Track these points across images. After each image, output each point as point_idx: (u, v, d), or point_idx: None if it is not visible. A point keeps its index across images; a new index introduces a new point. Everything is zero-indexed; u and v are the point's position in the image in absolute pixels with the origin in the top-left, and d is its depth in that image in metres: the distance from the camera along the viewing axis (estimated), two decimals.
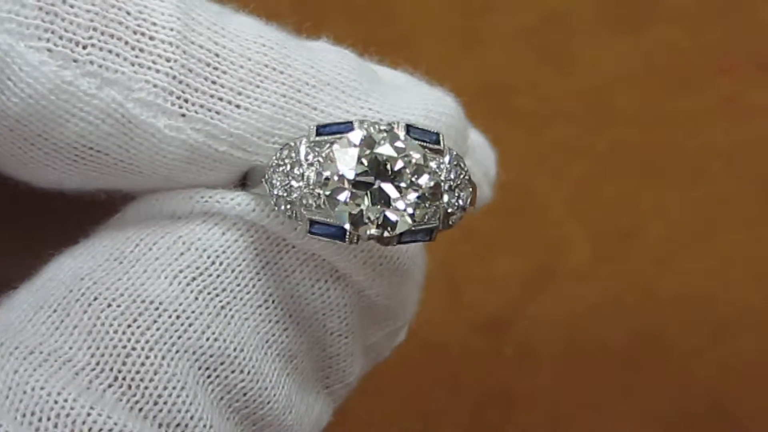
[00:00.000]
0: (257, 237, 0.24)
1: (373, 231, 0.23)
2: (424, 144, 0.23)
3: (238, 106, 0.24)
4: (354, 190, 0.22)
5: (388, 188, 0.23)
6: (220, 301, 0.23)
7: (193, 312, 0.23)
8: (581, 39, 0.51)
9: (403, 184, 0.23)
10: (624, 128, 0.50)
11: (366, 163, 0.23)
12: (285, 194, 0.23)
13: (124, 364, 0.22)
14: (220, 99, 0.23)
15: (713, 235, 0.48)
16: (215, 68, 0.24)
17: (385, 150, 0.23)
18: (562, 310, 0.47)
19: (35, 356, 0.22)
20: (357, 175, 0.22)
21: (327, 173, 0.23)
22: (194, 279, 0.23)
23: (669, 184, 0.49)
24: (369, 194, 0.23)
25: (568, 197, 0.49)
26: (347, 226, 0.23)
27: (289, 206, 0.23)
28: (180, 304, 0.23)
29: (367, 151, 0.23)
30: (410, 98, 0.26)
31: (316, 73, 0.24)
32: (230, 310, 0.23)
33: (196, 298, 0.23)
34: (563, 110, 0.50)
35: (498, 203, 0.48)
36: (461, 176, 0.24)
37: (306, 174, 0.23)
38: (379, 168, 0.23)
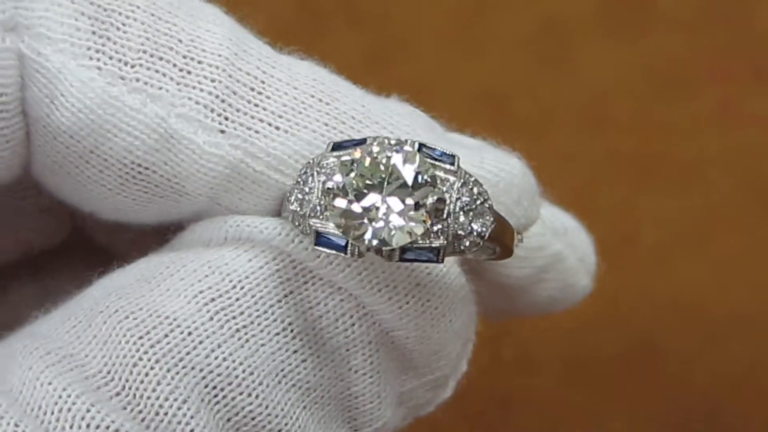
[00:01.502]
0: (283, 265, 0.24)
1: (374, 242, 0.22)
2: (438, 164, 0.23)
3: (277, 128, 0.24)
4: (354, 200, 0.22)
5: (391, 201, 0.22)
6: (236, 324, 0.23)
7: (205, 330, 0.23)
8: (579, 46, 0.52)
9: (408, 199, 0.22)
10: (620, 135, 0.50)
11: (369, 174, 0.22)
12: (299, 208, 0.23)
13: (131, 373, 0.22)
14: (261, 120, 0.24)
15: (709, 242, 0.48)
16: (259, 93, 0.24)
17: (391, 161, 0.22)
18: (560, 316, 0.47)
19: (51, 357, 0.23)
20: (358, 185, 0.22)
21: (330, 183, 0.23)
22: (213, 300, 0.23)
23: (665, 191, 0.49)
24: (371, 206, 0.22)
25: (565, 204, 0.49)
26: (347, 237, 0.22)
27: (301, 220, 0.23)
28: (194, 322, 0.23)
29: (370, 162, 0.22)
30: (468, 151, 0.26)
31: (366, 111, 0.25)
32: (246, 333, 0.23)
33: (211, 318, 0.23)
34: (560, 117, 0.51)
35: None
36: (477, 202, 0.23)
37: (316, 186, 0.23)
38: (382, 179, 0.22)
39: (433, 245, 0.23)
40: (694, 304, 0.47)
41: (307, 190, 0.23)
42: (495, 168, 0.26)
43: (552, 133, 0.51)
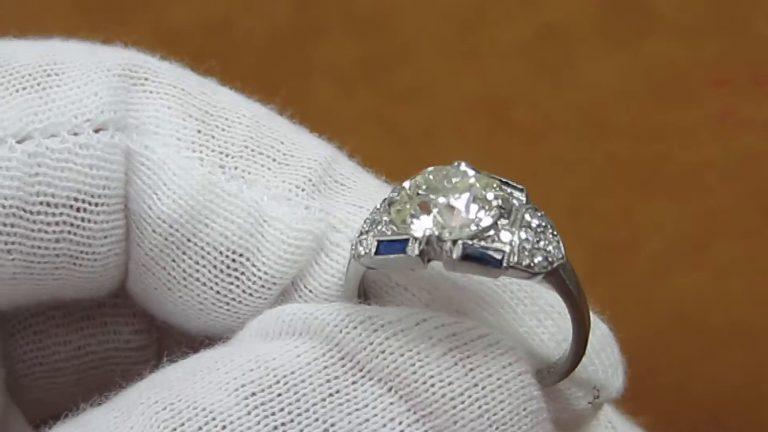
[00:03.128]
0: (332, 362, 0.23)
1: (431, 230, 0.21)
2: (505, 186, 0.23)
3: (360, 208, 0.25)
4: (413, 201, 0.22)
5: (453, 202, 0.22)
6: (275, 420, 0.22)
7: (241, 425, 0.22)
8: (578, 53, 0.52)
9: (472, 206, 0.22)
10: (620, 141, 0.50)
11: (430, 179, 0.22)
12: (361, 240, 0.23)
13: None
14: (345, 202, 0.25)
15: (708, 248, 0.48)
16: (348, 187, 0.26)
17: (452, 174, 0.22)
18: None
19: None
20: (419, 189, 0.22)
21: (392, 194, 0.23)
22: (254, 394, 0.22)
23: (664, 196, 0.49)
24: (434, 210, 0.22)
25: (564, 210, 0.49)
26: (401, 232, 0.22)
27: (361, 246, 0.23)
28: (230, 415, 0.22)
29: (433, 171, 0.23)
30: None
31: None
32: (284, 431, 0.22)
33: (249, 413, 0.22)
34: (560, 123, 0.51)
35: None
36: (549, 230, 0.22)
37: (378, 208, 0.23)
38: (438, 186, 0.22)
39: (497, 247, 0.21)
40: (694, 312, 0.47)
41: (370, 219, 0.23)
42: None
43: (551, 139, 0.51)
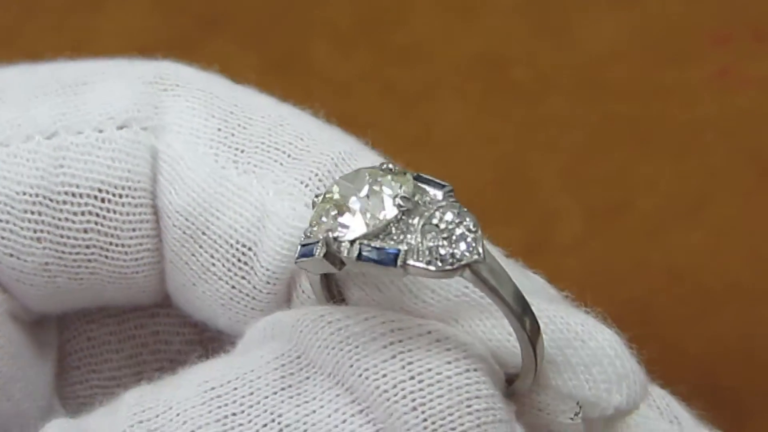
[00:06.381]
0: (289, 360, 0.23)
1: (329, 234, 0.22)
2: (423, 185, 0.23)
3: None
4: (326, 204, 0.23)
5: (353, 203, 0.22)
6: (225, 411, 0.23)
7: (195, 413, 0.23)
8: (576, 10, 0.51)
9: (373, 192, 0.22)
10: (617, 101, 0.50)
11: (342, 182, 0.23)
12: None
13: None
14: None
15: (705, 208, 0.48)
16: None
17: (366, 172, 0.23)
18: (553, 282, 0.47)
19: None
20: (334, 193, 0.23)
21: (315, 198, 0.23)
22: (213, 388, 0.23)
23: (661, 156, 0.49)
24: (339, 212, 0.22)
25: (561, 170, 0.49)
26: (311, 240, 0.22)
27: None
28: (185, 405, 0.23)
29: (354, 172, 0.23)
30: (549, 305, 0.24)
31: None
32: (232, 421, 0.23)
33: (204, 403, 0.23)
34: (557, 83, 0.51)
35: (490, 175, 0.49)
36: (460, 224, 0.22)
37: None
38: (349, 187, 0.23)
39: (393, 246, 0.22)
40: (689, 271, 0.47)
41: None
42: (572, 320, 0.24)
43: (549, 98, 0.50)
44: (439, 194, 0.22)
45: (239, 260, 0.26)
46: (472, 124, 0.50)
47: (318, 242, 0.22)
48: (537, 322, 0.23)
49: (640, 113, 0.50)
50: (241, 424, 0.23)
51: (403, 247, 0.22)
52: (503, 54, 0.51)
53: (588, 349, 0.24)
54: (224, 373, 0.24)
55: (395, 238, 0.22)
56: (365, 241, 0.22)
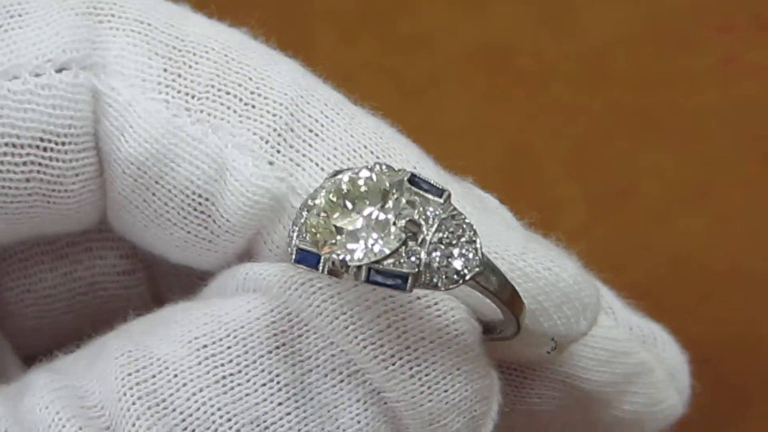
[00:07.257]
0: (280, 317, 0.24)
1: (341, 257, 0.22)
2: (422, 193, 0.23)
3: (322, 169, 0.25)
4: (324, 215, 0.22)
5: (356, 219, 0.22)
6: (223, 371, 0.23)
7: (191, 374, 0.23)
8: (580, 1, 0.52)
9: (380, 215, 0.22)
10: (621, 88, 0.50)
11: (347, 191, 0.22)
12: (291, 234, 0.23)
13: (115, 407, 0.23)
14: (310, 159, 0.25)
15: (708, 194, 0.48)
16: (316, 134, 0.25)
17: (360, 175, 0.22)
18: None
19: (55, 385, 0.24)
20: (330, 200, 0.22)
21: (311, 201, 0.23)
22: (205, 346, 0.23)
23: (665, 143, 0.49)
24: (342, 224, 0.22)
25: (565, 157, 0.50)
26: (314, 249, 0.22)
27: (289, 241, 0.23)
28: (181, 365, 0.23)
29: (349, 179, 0.22)
30: (518, 241, 0.25)
31: (420, 173, 0.24)
32: (231, 381, 0.23)
33: (200, 363, 0.23)
34: (562, 70, 0.51)
35: (494, 162, 0.49)
36: (462, 239, 0.22)
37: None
38: (355, 200, 0.22)
39: (402, 270, 0.22)
40: (693, 257, 0.47)
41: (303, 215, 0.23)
42: (539, 263, 0.25)
43: (553, 87, 0.51)
44: (437, 208, 0.22)
45: (195, 209, 0.25)
46: (476, 113, 0.50)
47: (321, 259, 0.22)
48: (522, 302, 0.24)
49: (644, 102, 0.50)
50: (239, 384, 0.23)
51: (411, 270, 0.22)
52: (508, 43, 0.51)
53: (557, 290, 0.24)
54: (213, 328, 0.24)
55: (402, 259, 0.22)
56: (375, 266, 0.22)
